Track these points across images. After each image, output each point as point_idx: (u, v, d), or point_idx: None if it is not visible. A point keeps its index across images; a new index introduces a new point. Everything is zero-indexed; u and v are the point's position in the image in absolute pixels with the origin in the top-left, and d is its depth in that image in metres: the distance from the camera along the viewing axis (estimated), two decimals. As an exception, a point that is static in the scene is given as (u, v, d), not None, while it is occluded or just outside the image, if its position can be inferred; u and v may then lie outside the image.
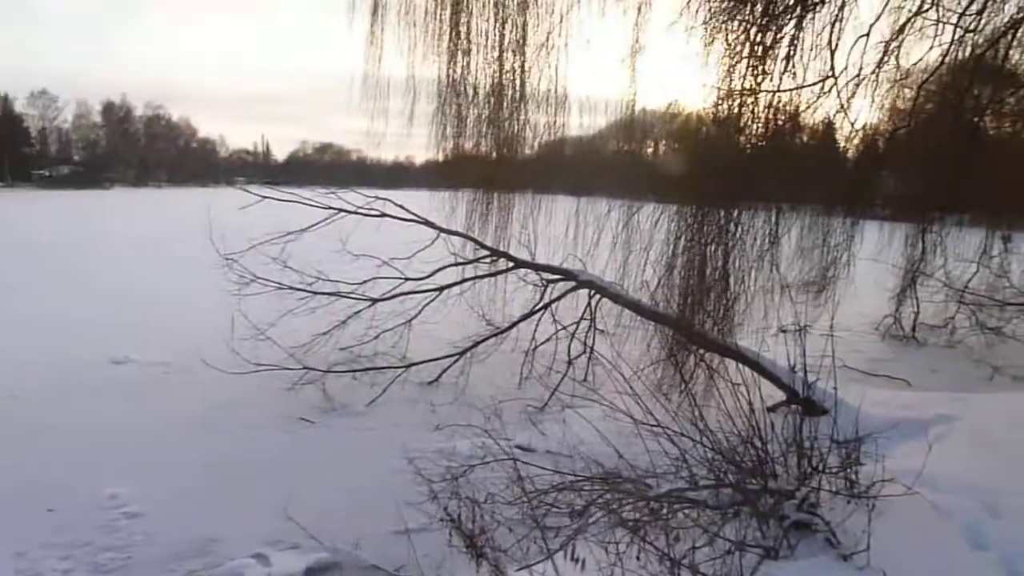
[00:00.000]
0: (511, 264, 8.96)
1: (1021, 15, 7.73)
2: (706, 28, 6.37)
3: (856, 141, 8.89)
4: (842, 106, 7.20)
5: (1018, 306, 10.69)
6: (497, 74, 8.21)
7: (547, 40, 7.96)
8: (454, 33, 8.12)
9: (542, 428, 5.91)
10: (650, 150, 10.18)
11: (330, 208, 8.56)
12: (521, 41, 8.05)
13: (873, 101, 7.99)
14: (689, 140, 7.86)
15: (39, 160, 77.97)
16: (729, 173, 6.76)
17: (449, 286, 8.94)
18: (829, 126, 7.94)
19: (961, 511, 3.49)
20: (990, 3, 7.40)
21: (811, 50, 6.48)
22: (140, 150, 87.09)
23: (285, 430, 6.84)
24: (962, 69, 8.39)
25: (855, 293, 9.67)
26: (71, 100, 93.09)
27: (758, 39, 6.26)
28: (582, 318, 8.68)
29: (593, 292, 8.54)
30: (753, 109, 6.58)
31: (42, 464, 5.84)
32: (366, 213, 8.87)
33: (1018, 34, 8.09)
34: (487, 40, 8.13)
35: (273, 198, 8.72)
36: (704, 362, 6.27)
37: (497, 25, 8.07)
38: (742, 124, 6.70)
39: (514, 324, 8.77)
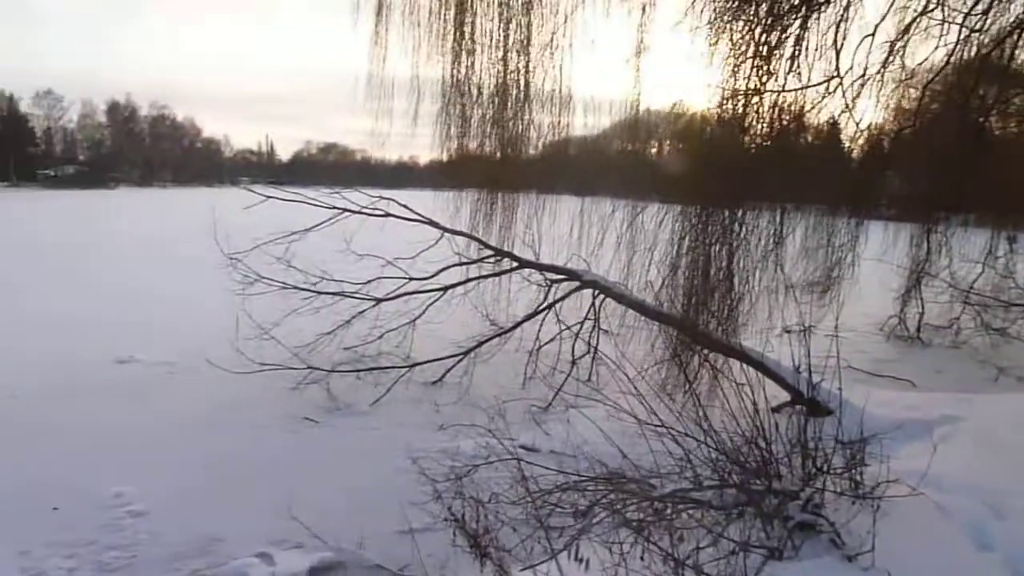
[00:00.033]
0: (515, 264, 8.96)
1: (1027, 15, 7.71)
2: (711, 28, 6.36)
3: (861, 141, 8.88)
4: (847, 106, 7.17)
5: (1023, 307, 10.65)
6: (501, 74, 8.22)
7: (551, 40, 7.96)
8: (458, 33, 8.13)
9: (546, 428, 5.91)
10: (654, 150, 10.19)
11: (334, 208, 8.58)
12: (525, 41, 8.05)
13: (878, 101, 8.01)
14: (693, 140, 7.84)
15: (44, 160, 78.26)
16: (733, 173, 6.74)
17: (453, 286, 8.95)
18: (834, 126, 7.92)
19: (966, 512, 3.48)
20: (996, 3, 7.38)
21: (816, 50, 6.47)
22: (145, 150, 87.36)
23: (289, 430, 6.86)
24: (968, 69, 8.35)
25: (860, 293, 9.64)
26: (76, 100, 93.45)
27: (763, 39, 6.24)
28: (586, 318, 8.68)
29: (597, 292, 8.54)
30: (758, 109, 6.56)
31: (46, 463, 5.86)
32: (370, 213, 8.89)
33: (1024, 34, 8.07)
34: (491, 40, 8.13)
35: (277, 198, 8.74)
36: (708, 362, 6.27)
37: (501, 25, 8.07)
38: (747, 124, 6.68)
39: (518, 324, 8.77)
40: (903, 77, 8.34)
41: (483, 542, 3.83)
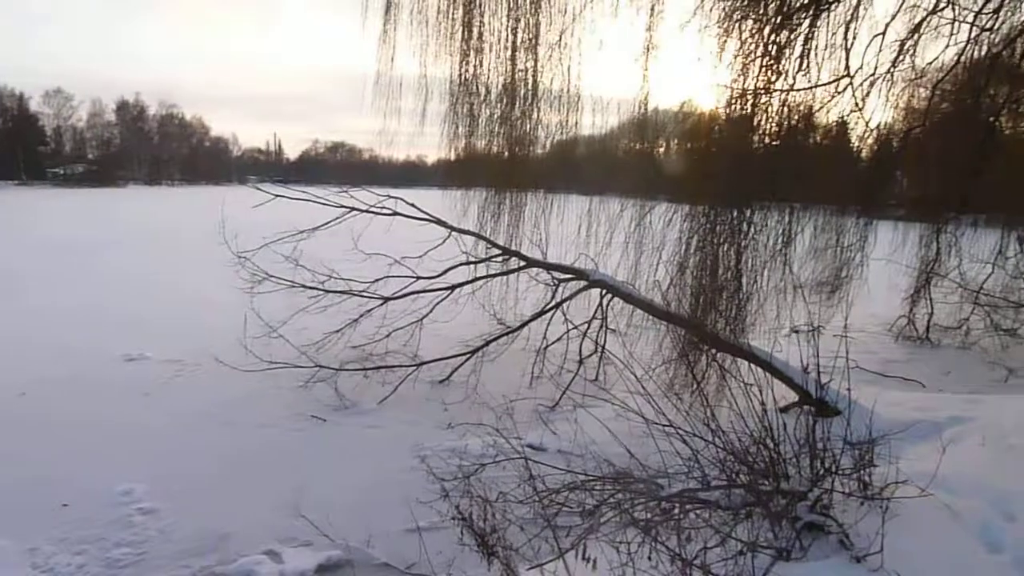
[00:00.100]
0: (522, 263, 8.96)
1: (1038, 14, 7.67)
2: (720, 27, 6.33)
3: (870, 141, 8.86)
4: (857, 105, 7.16)
5: (1033, 307, 10.60)
6: (509, 73, 8.21)
7: (560, 39, 7.95)
8: (467, 32, 8.12)
9: (553, 427, 5.89)
10: (663, 150, 10.14)
11: (342, 207, 8.60)
12: (534, 40, 8.04)
13: (888, 100, 7.94)
14: (702, 140, 7.80)
15: (54, 158, 78.59)
16: (742, 173, 6.72)
17: (460, 285, 8.96)
18: (843, 125, 7.89)
19: (975, 513, 3.46)
20: (1007, 2, 7.36)
21: (826, 49, 6.46)
22: (154, 148, 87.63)
23: (297, 428, 6.88)
24: (978, 68, 8.32)
25: (868, 294, 9.61)
26: (85, 99, 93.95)
27: (772, 38, 6.22)
28: (593, 317, 8.67)
29: (605, 292, 8.52)
30: (767, 108, 6.54)
31: (55, 460, 5.90)
32: (378, 212, 8.90)
33: (1034, 33, 8.02)
34: (500, 39, 8.12)
35: (285, 196, 8.74)
36: (716, 362, 6.26)
37: (510, 24, 8.06)
38: (755, 123, 6.66)
39: (525, 323, 8.77)
40: (913, 76, 8.34)
41: (490, 541, 3.83)
